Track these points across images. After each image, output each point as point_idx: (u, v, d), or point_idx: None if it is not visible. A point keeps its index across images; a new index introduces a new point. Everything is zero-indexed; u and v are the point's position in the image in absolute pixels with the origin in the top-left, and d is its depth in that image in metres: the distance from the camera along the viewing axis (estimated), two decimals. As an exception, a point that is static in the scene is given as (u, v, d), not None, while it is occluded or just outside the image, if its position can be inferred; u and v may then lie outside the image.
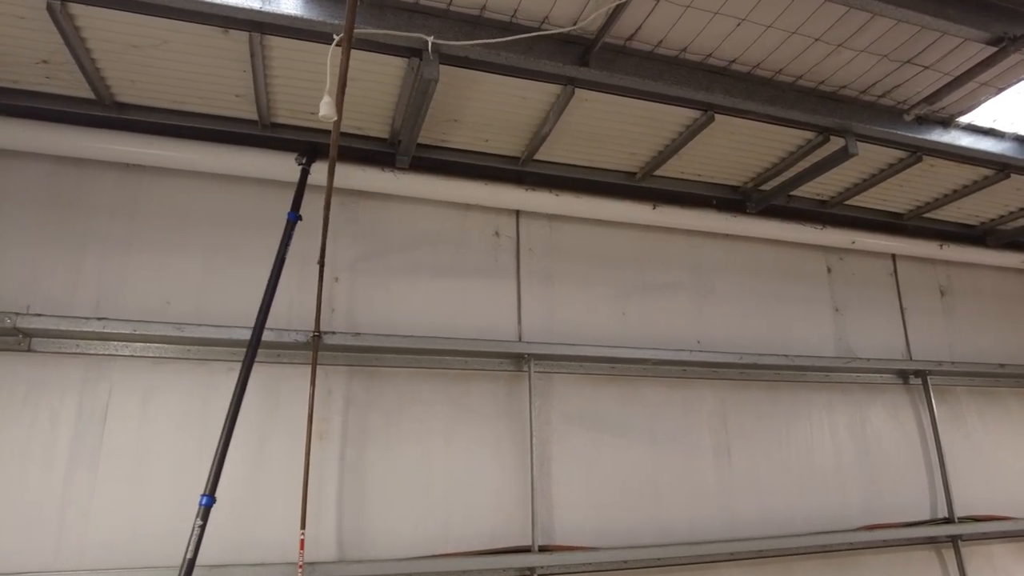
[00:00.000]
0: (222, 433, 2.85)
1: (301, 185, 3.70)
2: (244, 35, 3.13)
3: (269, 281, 3.31)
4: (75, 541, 3.28)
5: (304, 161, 3.81)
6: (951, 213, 5.47)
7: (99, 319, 3.35)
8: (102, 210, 3.75)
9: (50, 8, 2.89)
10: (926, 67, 3.68)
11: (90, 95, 3.60)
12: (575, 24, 3.25)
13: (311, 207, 3.76)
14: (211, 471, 2.80)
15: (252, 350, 3.10)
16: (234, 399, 2.94)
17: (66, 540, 3.27)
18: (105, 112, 3.70)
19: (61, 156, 3.68)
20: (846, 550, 4.66)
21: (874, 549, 4.75)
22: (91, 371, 3.51)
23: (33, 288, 3.53)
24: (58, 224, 3.66)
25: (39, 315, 3.31)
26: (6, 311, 3.28)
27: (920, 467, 5.11)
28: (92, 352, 3.53)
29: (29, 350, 3.45)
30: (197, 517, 2.68)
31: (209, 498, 2.75)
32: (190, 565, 2.63)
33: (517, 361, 4.23)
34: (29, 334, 3.40)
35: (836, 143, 4.15)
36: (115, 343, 3.56)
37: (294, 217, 3.52)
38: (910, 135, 4.09)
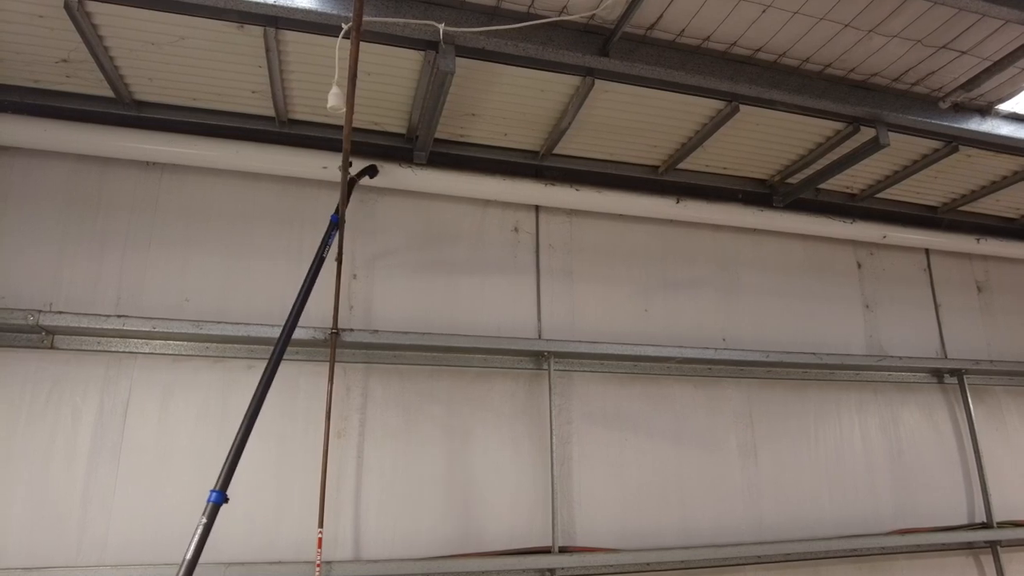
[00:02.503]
0: (240, 429, 2.74)
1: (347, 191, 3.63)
2: (259, 30, 3.11)
3: (305, 281, 3.25)
4: (97, 537, 3.30)
5: (357, 172, 3.77)
6: (989, 205, 5.26)
7: (119, 316, 3.37)
8: (122, 208, 3.77)
9: (68, 6, 2.90)
10: (963, 52, 3.52)
11: (109, 93, 3.62)
12: (594, 13, 3.17)
13: (330, 204, 3.73)
14: (224, 466, 2.63)
15: (281, 347, 3.01)
16: (257, 394, 2.84)
17: (88, 536, 3.29)
18: (124, 110, 3.73)
19: (81, 155, 3.71)
20: (878, 554, 4.50)
21: (907, 554, 4.59)
22: (112, 368, 3.53)
23: (55, 286, 3.57)
24: (79, 222, 3.68)
25: (61, 312, 3.34)
26: (29, 309, 3.32)
27: (956, 469, 4.92)
28: (113, 349, 3.54)
29: (52, 347, 3.48)
30: (203, 515, 2.48)
31: (219, 495, 2.53)
32: (190, 567, 2.40)
33: (537, 359, 4.16)
34: (52, 331, 3.43)
35: (867, 134, 4.00)
36: (135, 340, 3.57)
37: (337, 219, 3.47)
38: (945, 124, 3.94)
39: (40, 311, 3.29)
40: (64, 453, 3.37)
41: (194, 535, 2.47)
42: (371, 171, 3.86)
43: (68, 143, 3.58)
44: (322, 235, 3.55)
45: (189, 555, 2.41)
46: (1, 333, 3.40)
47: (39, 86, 3.58)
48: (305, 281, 3.27)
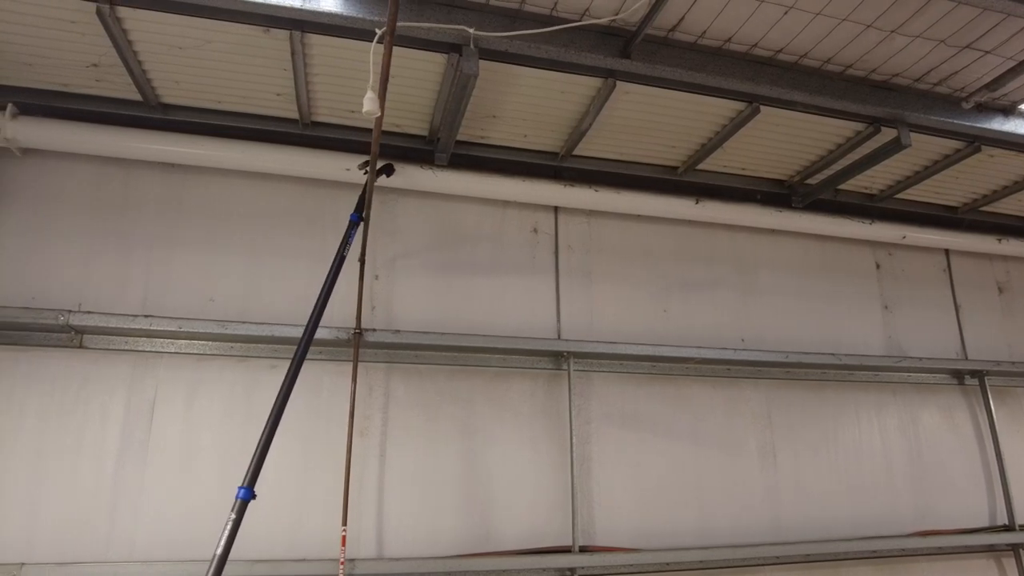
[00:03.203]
0: (266, 426, 2.77)
1: (367, 190, 3.67)
2: (285, 34, 3.15)
3: (327, 280, 3.26)
4: (125, 533, 3.36)
5: (369, 170, 3.78)
6: (1011, 205, 5.22)
7: (146, 316, 3.43)
8: (148, 209, 3.82)
9: (100, 12, 2.95)
10: (987, 52, 3.50)
11: (137, 97, 3.67)
12: (616, 16, 3.19)
13: (351, 205, 3.76)
14: (251, 463, 2.65)
15: (304, 346, 3.05)
16: (282, 392, 2.88)
17: (117, 532, 3.35)
18: (151, 113, 3.78)
19: (108, 157, 3.76)
20: (898, 556, 4.48)
21: (928, 556, 4.56)
22: (139, 367, 3.59)
23: (84, 286, 3.63)
24: (107, 224, 3.74)
25: (90, 312, 3.40)
26: (59, 309, 3.39)
27: (978, 471, 4.89)
28: (140, 349, 3.60)
29: (81, 347, 3.54)
30: (231, 511, 2.52)
31: (247, 491, 2.56)
32: (220, 562, 2.43)
33: (556, 359, 4.18)
34: (81, 331, 3.49)
35: (888, 134, 3.98)
36: (161, 340, 3.63)
37: (356, 218, 3.50)
38: (968, 124, 3.92)
39: (70, 311, 3.35)
40: (93, 451, 3.43)
41: (223, 531, 2.50)
42: (387, 170, 3.89)
43: (96, 146, 3.64)
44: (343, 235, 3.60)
45: (219, 551, 2.43)
46: (32, 333, 3.47)
47: (68, 90, 3.64)
48: (327, 280, 3.29)
